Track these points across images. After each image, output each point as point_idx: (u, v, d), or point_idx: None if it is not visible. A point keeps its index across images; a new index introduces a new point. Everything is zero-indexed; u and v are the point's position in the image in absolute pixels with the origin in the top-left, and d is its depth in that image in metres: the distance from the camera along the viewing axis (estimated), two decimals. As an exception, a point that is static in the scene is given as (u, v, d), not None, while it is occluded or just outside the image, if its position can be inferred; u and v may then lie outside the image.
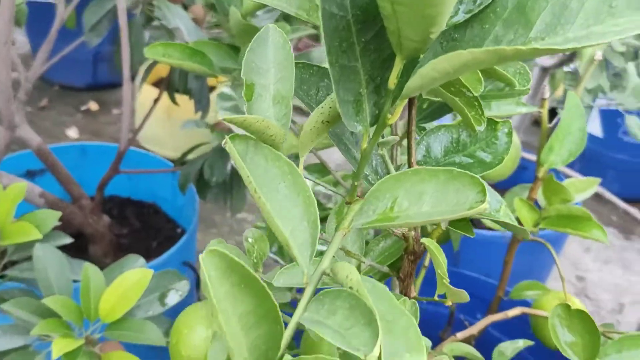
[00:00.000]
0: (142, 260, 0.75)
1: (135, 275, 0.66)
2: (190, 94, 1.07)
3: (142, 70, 1.77)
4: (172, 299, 0.74)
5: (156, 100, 1.11)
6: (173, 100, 1.10)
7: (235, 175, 1.11)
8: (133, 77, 0.95)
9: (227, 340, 0.29)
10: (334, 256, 0.32)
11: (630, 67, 1.00)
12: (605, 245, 1.70)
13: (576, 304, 0.71)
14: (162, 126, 1.69)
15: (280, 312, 0.29)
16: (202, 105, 1.09)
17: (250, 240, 0.55)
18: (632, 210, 1.27)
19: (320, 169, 0.93)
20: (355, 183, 0.36)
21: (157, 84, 1.66)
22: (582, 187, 0.72)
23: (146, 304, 0.72)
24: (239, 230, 1.64)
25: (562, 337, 0.51)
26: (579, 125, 0.67)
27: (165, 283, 0.74)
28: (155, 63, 1.07)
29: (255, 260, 0.54)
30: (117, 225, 1.20)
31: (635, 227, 1.83)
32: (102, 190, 1.07)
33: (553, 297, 0.73)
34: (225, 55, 0.71)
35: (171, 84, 1.05)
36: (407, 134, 0.42)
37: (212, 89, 1.16)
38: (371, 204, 0.33)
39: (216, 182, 1.04)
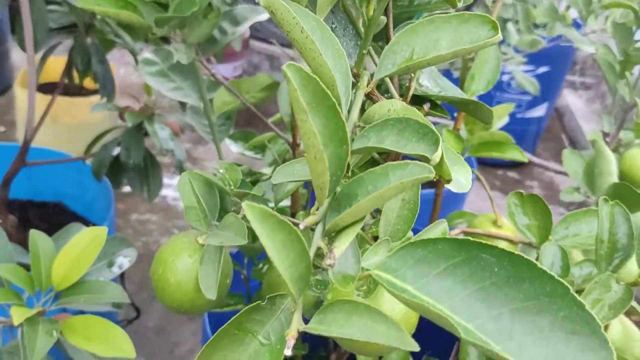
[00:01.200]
0: (86, 227, 0.72)
1: (87, 235, 0.64)
2: (94, 77, 1.03)
3: (23, 75, 1.67)
4: (121, 265, 0.72)
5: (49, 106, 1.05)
6: (71, 82, 1.06)
7: (150, 158, 1.09)
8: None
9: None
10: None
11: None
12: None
13: (506, 222, 0.78)
14: (49, 133, 1.60)
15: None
16: (107, 90, 1.06)
17: (221, 171, 0.56)
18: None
19: (244, 136, 0.94)
20: (364, 51, 0.38)
21: (44, 89, 1.58)
22: (501, 113, 0.80)
23: (95, 271, 0.69)
24: (144, 231, 1.59)
25: (519, 221, 0.57)
26: (493, 54, 0.75)
27: (113, 249, 0.72)
28: (43, 65, 1.02)
29: (232, 187, 0.54)
30: (21, 229, 1.13)
31: (518, 187, 2.00)
32: (8, 186, 1.01)
33: (485, 218, 0.80)
34: (153, 10, 0.71)
35: (73, 66, 1.01)
36: None
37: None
38: (389, 58, 0.35)
39: (134, 164, 1.01)
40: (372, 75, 0.36)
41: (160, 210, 1.67)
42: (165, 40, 0.88)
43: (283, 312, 0.29)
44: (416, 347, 0.25)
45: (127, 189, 1.44)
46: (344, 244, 0.27)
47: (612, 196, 0.55)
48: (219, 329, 0.29)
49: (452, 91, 0.46)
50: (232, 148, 0.91)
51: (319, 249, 0.30)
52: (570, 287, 0.26)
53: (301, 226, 0.29)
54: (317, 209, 0.30)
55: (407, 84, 0.40)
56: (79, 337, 0.61)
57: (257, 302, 0.29)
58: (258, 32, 2.12)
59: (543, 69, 1.86)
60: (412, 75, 0.38)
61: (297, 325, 0.28)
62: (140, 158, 1.02)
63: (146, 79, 0.80)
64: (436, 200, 0.84)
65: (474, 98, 0.64)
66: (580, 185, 0.80)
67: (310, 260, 0.27)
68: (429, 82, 0.47)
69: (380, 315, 0.26)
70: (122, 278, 1.10)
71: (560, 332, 0.26)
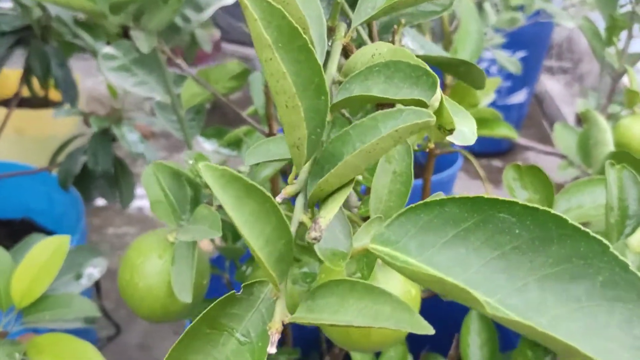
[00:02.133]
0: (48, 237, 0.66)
1: (49, 245, 0.58)
2: (55, 83, 0.97)
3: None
4: (91, 276, 0.66)
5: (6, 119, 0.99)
6: (33, 93, 1.00)
7: (119, 164, 1.03)
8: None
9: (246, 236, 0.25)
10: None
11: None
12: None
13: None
14: (16, 147, 1.53)
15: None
16: (70, 95, 1.00)
17: (190, 161, 0.51)
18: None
19: (217, 132, 0.88)
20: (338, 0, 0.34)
21: (7, 104, 1.51)
22: (487, 89, 0.75)
23: (61, 286, 0.64)
24: (121, 245, 1.53)
25: (519, 195, 0.53)
26: (476, 27, 0.70)
27: (80, 260, 0.66)
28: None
29: (202, 178, 0.49)
30: (-13, 249, 1.06)
31: (500, 176, 1.96)
32: (-32, 203, 0.94)
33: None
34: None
35: (31, 72, 0.95)
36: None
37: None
38: (369, 1, 0.30)
39: (102, 171, 0.96)
40: (349, 26, 0.31)
41: (138, 222, 1.61)
42: (127, 36, 0.82)
43: (263, 303, 0.24)
44: (430, 329, 0.20)
45: (101, 202, 1.38)
46: (330, 212, 0.22)
47: (612, 166, 0.51)
48: (187, 328, 0.24)
49: (438, 53, 0.41)
50: (206, 146, 0.86)
51: (301, 224, 0.25)
52: (609, 244, 0.21)
53: (279, 198, 0.24)
54: (296, 177, 0.25)
55: (390, 40, 0.35)
56: (47, 357, 0.55)
57: (232, 292, 0.24)
58: (229, 34, 2.07)
59: (520, 54, 1.83)
60: (396, 27, 0.33)
61: (281, 316, 0.23)
62: (109, 164, 0.96)
63: (107, 75, 0.74)
64: (425, 187, 0.79)
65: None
66: (574, 159, 0.76)
67: (291, 235, 0.22)
68: (414, 44, 0.42)
69: (383, 294, 0.21)
70: (98, 293, 1.04)
71: (600, 300, 0.21)
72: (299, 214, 0.24)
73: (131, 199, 1.04)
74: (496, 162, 2.01)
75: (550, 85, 2.28)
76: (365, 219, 0.42)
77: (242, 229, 0.21)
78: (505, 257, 0.22)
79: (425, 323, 0.20)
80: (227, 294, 0.24)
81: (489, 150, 1.96)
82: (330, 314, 0.21)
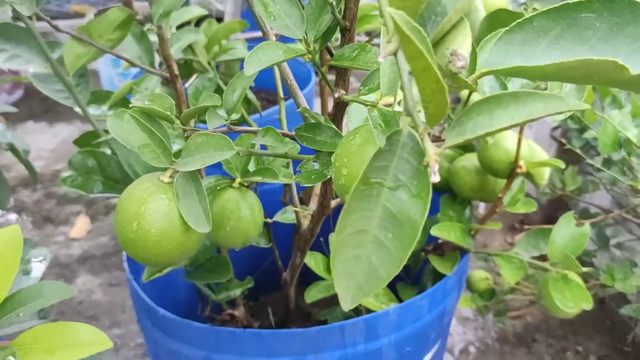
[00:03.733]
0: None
1: (3, 235, 0.53)
2: None
3: None
4: (38, 268, 0.62)
5: None
6: None
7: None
8: None
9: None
10: None
11: None
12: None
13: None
14: None
15: None
16: None
17: (147, 103, 0.49)
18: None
19: (97, 97, 0.84)
20: None
21: None
22: None
23: (14, 286, 0.59)
24: None
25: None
26: None
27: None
28: None
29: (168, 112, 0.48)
30: None
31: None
32: None
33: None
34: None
35: None
36: None
37: None
38: None
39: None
40: None
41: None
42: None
43: (402, 148, 0.27)
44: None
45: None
46: (465, 43, 0.25)
47: (490, 28, 0.58)
48: (352, 191, 0.26)
49: None
50: (94, 112, 0.82)
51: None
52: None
53: (381, 59, 0.26)
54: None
55: None
56: (39, 352, 0.52)
57: (379, 148, 0.26)
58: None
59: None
60: None
61: (432, 149, 0.25)
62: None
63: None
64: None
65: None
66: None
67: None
68: None
69: (531, 95, 0.24)
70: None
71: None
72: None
73: (7, 200, 0.96)
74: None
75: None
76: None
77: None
78: (592, 49, 0.27)
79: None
80: (376, 151, 0.26)
81: None
82: (485, 127, 0.25)
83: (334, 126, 0.48)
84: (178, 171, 0.45)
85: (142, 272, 0.87)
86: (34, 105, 1.97)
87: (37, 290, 0.54)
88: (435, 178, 0.25)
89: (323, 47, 0.45)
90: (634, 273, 0.86)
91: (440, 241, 0.81)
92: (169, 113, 0.46)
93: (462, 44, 0.25)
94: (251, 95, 0.92)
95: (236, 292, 0.78)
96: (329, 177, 0.45)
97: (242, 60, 0.96)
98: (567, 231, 0.73)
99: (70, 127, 1.88)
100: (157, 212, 0.44)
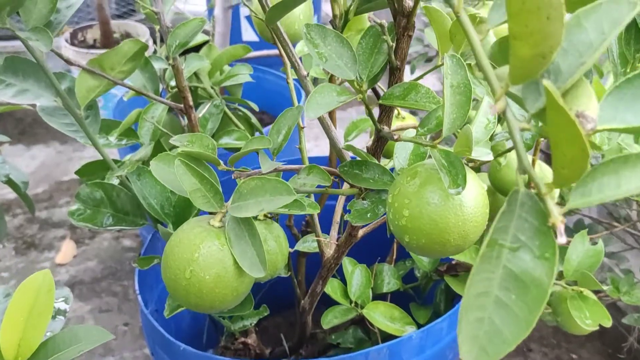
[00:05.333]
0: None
1: (30, 286, 0.51)
2: None
3: None
4: (64, 311, 0.60)
5: None
6: None
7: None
8: None
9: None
10: None
11: None
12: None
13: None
14: None
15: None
16: None
17: (186, 143, 0.48)
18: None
19: (114, 125, 0.81)
20: None
21: None
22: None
23: (39, 331, 0.57)
24: None
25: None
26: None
27: (43, 297, 0.59)
28: None
29: (210, 152, 0.47)
30: None
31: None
32: None
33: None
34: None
35: None
36: None
37: None
38: None
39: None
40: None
41: None
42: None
43: (520, 208, 0.27)
44: None
45: None
46: (590, 103, 0.25)
47: (501, 52, 0.59)
48: (480, 252, 0.26)
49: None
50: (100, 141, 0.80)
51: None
52: None
53: (491, 112, 0.26)
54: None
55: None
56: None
57: (503, 207, 0.26)
58: None
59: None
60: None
61: (556, 209, 0.25)
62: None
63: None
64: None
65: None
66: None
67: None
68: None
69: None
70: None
71: None
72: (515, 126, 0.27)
73: (4, 233, 0.93)
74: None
75: None
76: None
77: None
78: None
79: None
80: (501, 209, 0.26)
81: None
82: (613, 189, 0.25)
83: (380, 164, 0.47)
84: (227, 214, 0.44)
85: (150, 303, 0.85)
86: (9, 128, 1.91)
87: (73, 335, 0.52)
88: (562, 239, 0.25)
89: (372, 86, 0.45)
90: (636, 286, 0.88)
91: (454, 262, 0.82)
92: (213, 154, 0.45)
93: (587, 105, 0.25)
94: (254, 120, 0.91)
95: (252, 322, 0.77)
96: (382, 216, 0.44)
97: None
98: (582, 249, 0.74)
99: (49, 150, 1.82)
100: (211, 258, 0.43)
